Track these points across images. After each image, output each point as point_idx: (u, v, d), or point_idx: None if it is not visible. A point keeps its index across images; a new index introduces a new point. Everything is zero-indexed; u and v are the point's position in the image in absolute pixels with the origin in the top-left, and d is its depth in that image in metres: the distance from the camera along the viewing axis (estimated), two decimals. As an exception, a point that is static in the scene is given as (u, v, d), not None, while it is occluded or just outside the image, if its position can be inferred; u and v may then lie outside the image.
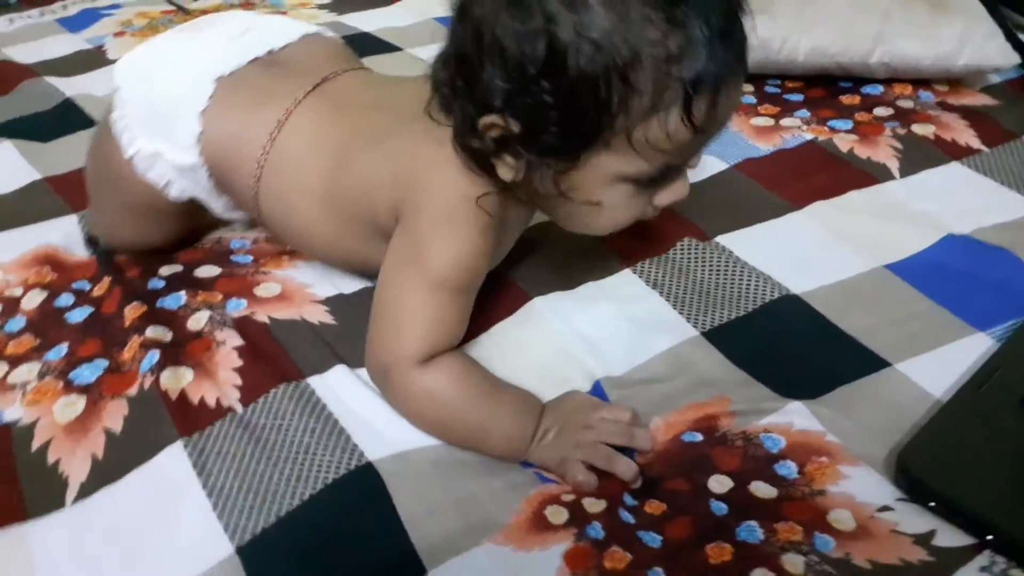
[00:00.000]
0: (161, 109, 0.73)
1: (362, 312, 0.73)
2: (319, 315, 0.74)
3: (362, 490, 0.60)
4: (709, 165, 0.91)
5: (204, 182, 0.74)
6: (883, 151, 0.93)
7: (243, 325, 0.73)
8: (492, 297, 0.73)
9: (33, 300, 0.78)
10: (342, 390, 0.67)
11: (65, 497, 0.61)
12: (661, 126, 0.54)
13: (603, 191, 0.60)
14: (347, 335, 0.72)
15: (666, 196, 0.62)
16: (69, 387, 0.69)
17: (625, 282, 0.77)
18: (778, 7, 1.01)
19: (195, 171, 0.73)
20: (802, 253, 0.79)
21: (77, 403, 0.67)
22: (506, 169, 0.60)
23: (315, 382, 0.68)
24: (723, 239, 0.81)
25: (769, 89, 1.06)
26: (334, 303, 0.76)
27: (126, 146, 0.73)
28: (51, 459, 0.63)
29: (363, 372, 0.68)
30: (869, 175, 0.90)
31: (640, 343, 0.71)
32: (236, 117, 0.71)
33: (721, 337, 0.71)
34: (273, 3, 1.41)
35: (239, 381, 0.68)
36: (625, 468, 0.60)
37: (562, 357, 0.70)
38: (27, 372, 0.71)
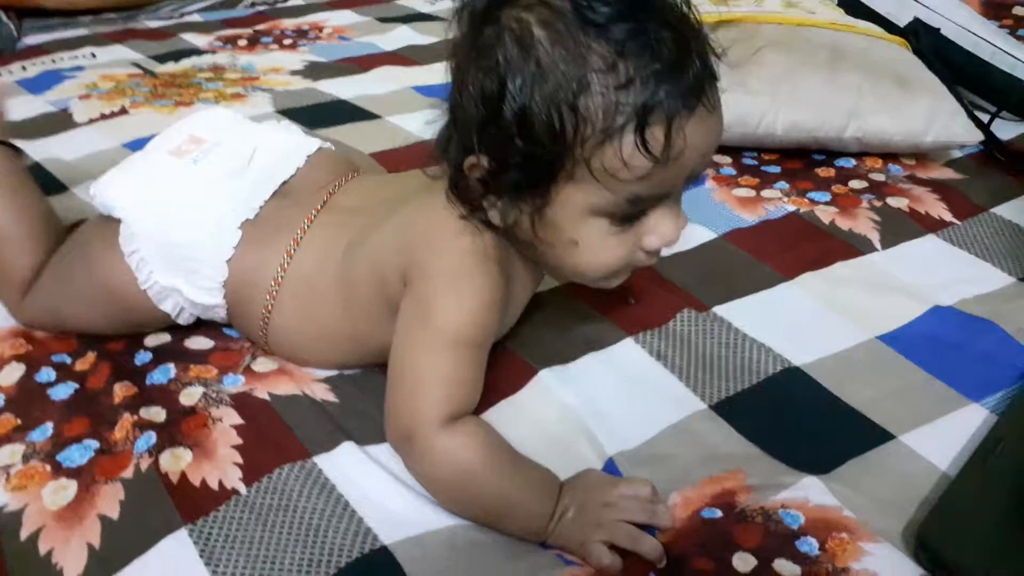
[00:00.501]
0: (181, 251, 0.72)
1: (365, 389, 0.72)
2: (321, 392, 0.72)
3: (379, 576, 0.58)
4: (698, 235, 0.93)
5: (220, 314, 0.75)
6: (863, 223, 0.96)
7: (241, 401, 0.71)
8: (497, 372, 0.72)
9: (11, 375, 0.75)
10: (351, 469, 0.65)
11: (61, 591, 0.57)
12: (616, 153, 0.56)
13: (578, 227, 0.61)
14: (352, 412, 0.70)
15: (654, 239, 0.63)
16: (58, 470, 0.65)
17: (629, 352, 0.77)
18: (755, 84, 1.04)
19: (214, 308, 0.74)
20: (798, 324, 0.81)
21: (68, 488, 0.64)
22: (494, 212, 0.61)
23: (322, 461, 0.65)
24: (720, 310, 0.82)
25: (747, 161, 1.09)
26: (335, 381, 0.73)
27: (142, 279, 0.73)
28: (43, 549, 0.59)
29: (372, 450, 0.66)
30: (852, 247, 0.92)
31: (649, 416, 0.70)
32: (255, 254, 0.72)
33: (729, 410, 0.71)
34: (244, 69, 1.40)
35: (240, 459, 0.66)
36: (651, 548, 0.59)
37: (573, 433, 0.69)
38: (10, 454, 0.67)
